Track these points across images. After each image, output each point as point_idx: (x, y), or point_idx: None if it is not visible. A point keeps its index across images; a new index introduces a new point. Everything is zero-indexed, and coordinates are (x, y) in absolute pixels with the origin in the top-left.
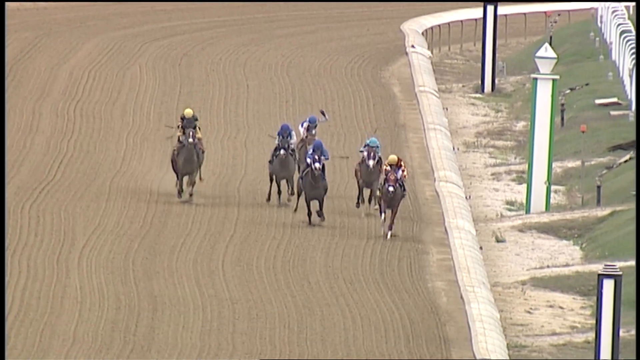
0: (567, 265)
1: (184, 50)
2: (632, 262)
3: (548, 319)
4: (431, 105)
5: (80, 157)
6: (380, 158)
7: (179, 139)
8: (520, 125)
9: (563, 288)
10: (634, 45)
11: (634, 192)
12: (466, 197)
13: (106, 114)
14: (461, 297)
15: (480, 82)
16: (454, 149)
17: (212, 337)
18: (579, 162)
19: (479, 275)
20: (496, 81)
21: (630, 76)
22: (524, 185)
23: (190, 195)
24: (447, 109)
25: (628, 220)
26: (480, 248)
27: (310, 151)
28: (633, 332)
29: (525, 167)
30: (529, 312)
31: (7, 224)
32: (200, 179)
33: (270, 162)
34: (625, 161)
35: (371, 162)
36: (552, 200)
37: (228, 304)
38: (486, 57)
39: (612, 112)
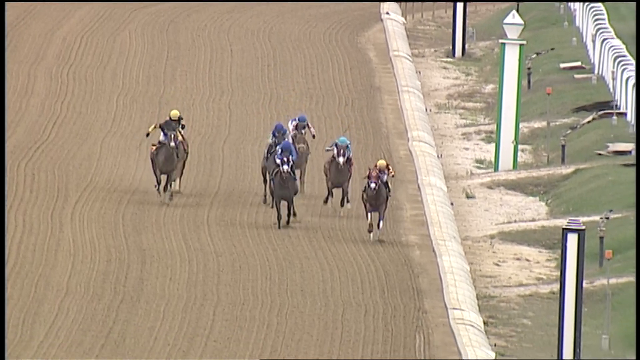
0: (533, 220)
1: (171, 17)
2: (596, 217)
3: (515, 271)
4: (405, 69)
5: (73, 118)
6: (350, 157)
7: (158, 140)
8: (489, 87)
9: (529, 242)
10: (596, 12)
11: (598, 151)
12: (438, 156)
13: (97, 77)
14: (433, 250)
15: (451, 47)
16: (426, 110)
17: (198, 287)
18: (544, 123)
19: (450, 230)
20: (466, 46)
21: (593, 41)
22: (493, 145)
23: (171, 195)
24: (420, 73)
25: (591, 177)
26: (452, 204)
27: (279, 152)
28: (596, 283)
29: (493, 127)
30: (497, 265)
31: (6, 182)
32: (180, 189)
33: (265, 158)
34: (589, 122)
35: (341, 159)
36: (519, 159)
37: (213, 257)
38: (457, 23)
39: (576, 76)
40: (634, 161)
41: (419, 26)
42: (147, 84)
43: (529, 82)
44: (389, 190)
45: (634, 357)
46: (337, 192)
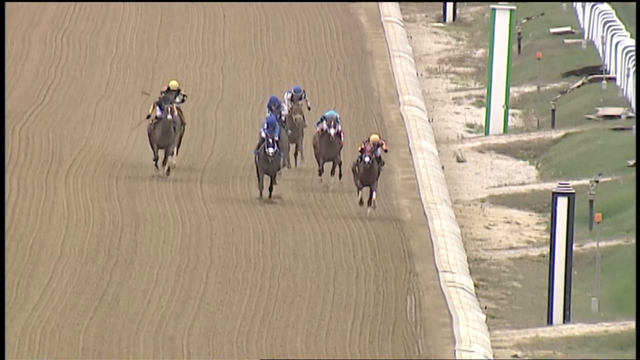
0: (523, 183)
1: None
2: (585, 181)
3: (505, 234)
4: (396, 34)
5: (67, 83)
6: (340, 131)
7: (156, 115)
8: (480, 52)
9: (520, 205)
10: None
11: (587, 115)
12: (429, 120)
13: (91, 42)
14: (424, 213)
15: (442, 12)
16: (417, 74)
17: (191, 250)
18: (534, 87)
19: (441, 193)
20: (457, 11)
21: (583, 7)
22: (483, 109)
23: (168, 169)
24: (411, 38)
25: (580, 141)
26: (442, 168)
27: (265, 125)
28: (585, 246)
29: (484, 91)
30: (488, 228)
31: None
32: (175, 162)
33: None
34: (578, 86)
35: (332, 131)
36: (509, 123)
37: (206, 220)
38: None
39: (566, 41)
40: (623, 125)
41: None
42: (141, 49)
43: (519, 47)
44: (383, 164)
45: (623, 319)
46: (327, 168)
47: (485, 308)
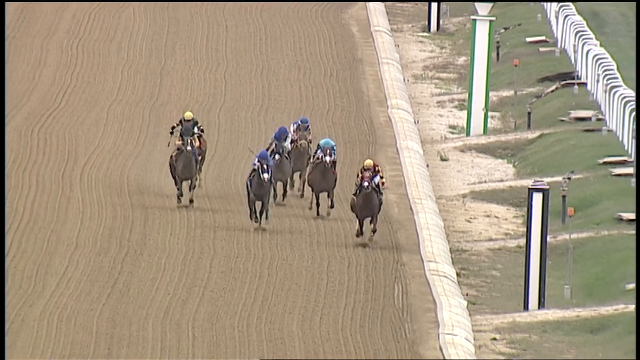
0: (501, 180)
1: None
2: (558, 178)
3: (485, 227)
4: (384, 42)
5: (82, 87)
6: (335, 160)
7: (177, 147)
8: (462, 60)
9: (498, 200)
10: None
11: (560, 118)
12: (415, 122)
13: (104, 50)
14: (410, 208)
15: (427, 22)
16: (404, 80)
17: (196, 242)
18: (512, 92)
19: (426, 189)
20: (441, 22)
21: (556, 18)
22: (465, 112)
23: (191, 201)
24: (398, 46)
25: (554, 141)
26: (427, 166)
27: (256, 160)
28: (559, 238)
29: (465, 96)
30: (469, 221)
31: (19, 147)
32: (199, 185)
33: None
34: (552, 91)
35: (328, 158)
36: (489, 125)
37: (209, 214)
38: (432, 1)
39: (541, 49)
40: (593, 127)
41: (398, 4)
42: (150, 56)
43: (497, 54)
44: (381, 194)
45: (593, 305)
46: (323, 201)
47: (467, 295)
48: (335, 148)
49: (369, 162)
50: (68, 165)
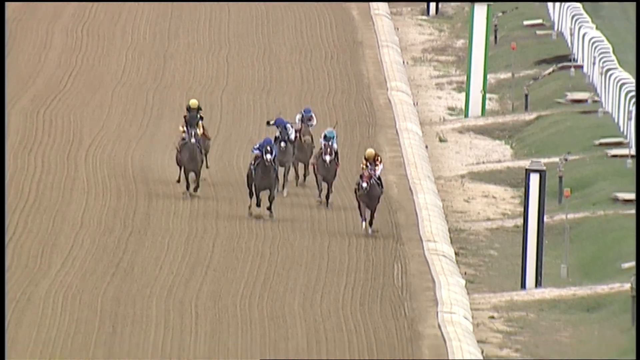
0: (499, 161)
1: None
2: (555, 159)
3: (483, 207)
4: (384, 26)
5: (87, 70)
6: (337, 152)
7: (182, 137)
8: (460, 43)
9: (496, 181)
10: None
11: (557, 100)
12: (414, 104)
13: (109, 33)
14: (410, 188)
15: (426, 6)
16: (403, 63)
17: (199, 222)
18: (509, 74)
19: (425, 170)
20: (439, 6)
21: (553, 1)
22: (463, 94)
23: (195, 189)
24: (397, 29)
25: (551, 123)
26: (426, 147)
27: (257, 146)
28: (555, 218)
29: (464, 78)
30: (467, 201)
31: (25, 129)
32: (207, 166)
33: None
34: (549, 73)
35: (327, 157)
36: (487, 107)
37: (212, 194)
38: None
39: (538, 32)
40: (589, 108)
41: None
42: (153, 39)
43: (495, 37)
44: (382, 187)
45: (589, 284)
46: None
47: (465, 274)
48: (335, 139)
49: (370, 152)
50: (73, 147)
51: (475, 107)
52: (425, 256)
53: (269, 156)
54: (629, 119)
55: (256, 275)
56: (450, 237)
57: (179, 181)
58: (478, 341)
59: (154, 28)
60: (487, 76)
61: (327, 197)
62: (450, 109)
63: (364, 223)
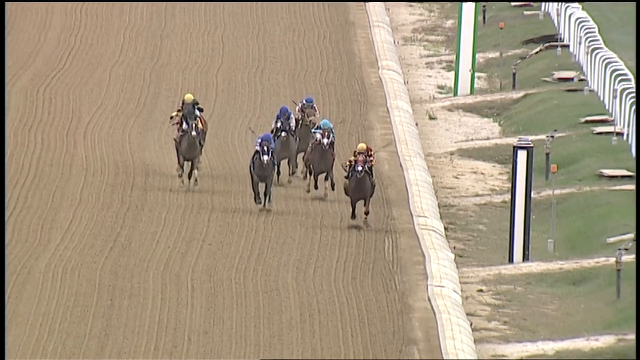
0: (487, 138)
1: None
2: (542, 136)
3: (472, 183)
4: (375, 6)
5: (86, 49)
6: (333, 141)
7: (180, 127)
8: (450, 23)
9: (484, 157)
10: None
11: (544, 78)
12: (404, 82)
13: (107, 13)
14: (400, 165)
15: None
16: (394, 42)
17: (195, 197)
18: (497, 54)
19: (415, 147)
20: None
21: None
22: (452, 73)
23: (196, 180)
24: (388, 9)
25: (538, 101)
26: (416, 124)
27: (258, 142)
28: (542, 193)
29: (453, 57)
30: (456, 178)
31: (25, 107)
32: (199, 161)
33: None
34: (536, 52)
35: (325, 140)
36: (475, 85)
37: (207, 171)
38: None
39: (525, 12)
40: (575, 87)
41: None
42: (150, 19)
43: (484, 18)
44: (372, 177)
45: (575, 258)
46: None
47: (454, 248)
48: (333, 130)
49: (362, 146)
50: (72, 124)
51: (464, 85)
52: (415, 231)
53: (265, 157)
54: (614, 97)
55: (250, 250)
56: (439, 213)
57: (181, 172)
58: (467, 314)
59: (151, 8)
60: (476, 55)
61: (333, 185)
62: (440, 87)
63: (353, 207)
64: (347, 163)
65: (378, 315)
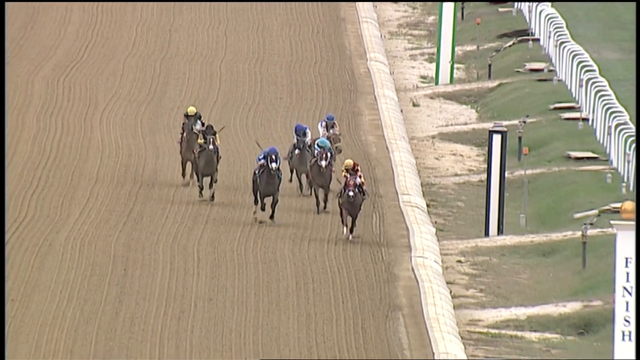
0: (465, 123)
1: None
2: (515, 121)
3: (451, 164)
4: (364, 4)
5: (102, 42)
6: (331, 160)
7: (199, 144)
8: (431, 19)
9: (463, 141)
10: None
11: (517, 69)
12: (390, 73)
13: (121, 10)
14: (386, 147)
15: None
16: (381, 36)
17: None
18: (475, 47)
19: (400, 131)
20: None
21: None
22: (434, 64)
23: (212, 196)
24: (376, 6)
25: (512, 89)
26: (401, 111)
27: (262, 155)
28: (515, 173)
29: (434, 50)
30: (437, 159)
31: (46, 95)
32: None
33: (288, 158)
34: (510, 45)
35: (323, 163)
36: (454, 75)
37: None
38: None
39: (500, 9)
40: (545, 77)
41: None
42: (160, 15)
43: (462, 14)
44: (364, 195)
45: (545, 232)
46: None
47: (435, 223)
48: (332, 149)
49: (349, 162)
50: (89, 110)
51: (444, 75)
52: (400, 207)
53: (274, 165)
54: (580, 86)
55: (251, 224)
56: (422, 191)
57: (200, 189)
58: (447, 282)
59: (161, 5)
60: (455, 48)
61: (325, 201)
62: (422, 77)
63: (345, 229)
64: (342, 177)
65: (366, 284)
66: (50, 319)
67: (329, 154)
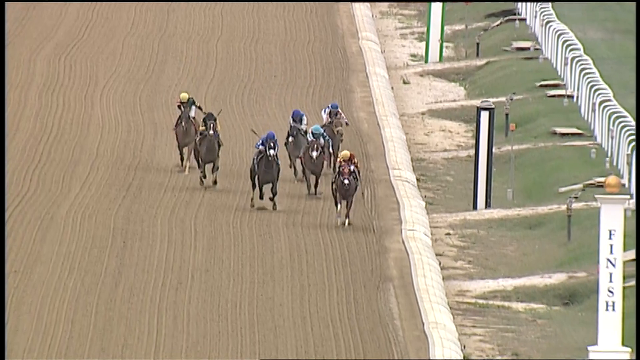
0: (454, 100)
1: None
2: (502, 99)
3: (441, 140)
4: None
5: (101, 22)
6: (322, 148)
7: (200, 131)
8: None
9: (451, 117)
10: None
11: (504, 48)
12: (381, 51)
13: None
14: (378, 124)
15: None
16: (372, 16)
17: None
18: (463, 26)
19: (391, 108)
20: None
21: None
22: (424, 43)
23: (215, 182)
24: None
25: (499, 68)
26: (392, 88)
27: (261, 141)
28: (502, 149)
29: (424, 29)
30: (427, 135)
31: (48, 73)
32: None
33: (286, 144)
34: (497, 25)
35: (314, 154)
36: (444, 54)
37: None
38: None
39: None
40: (531, 55)
41: None
42: None
43: None
44: (358, 181)
45: (531, 205)
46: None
47: (425, 197)
48: (325, 135)
49: (345, 154)
50: (90, 88)
51: (434, 54)
52: (391, 181)
53: (272, 152)
54: (565, 64)
55: (246, 198)
56: (412, 165)
57: (202, 179)
58: (436, 254)
59: None
60: (444, 27)
61: (316, 186)
62: (413, 55)
63: (338, 207)
64: (337, 164)
65: (358, 255)
66: (52, 290)
67: (320, 144)
